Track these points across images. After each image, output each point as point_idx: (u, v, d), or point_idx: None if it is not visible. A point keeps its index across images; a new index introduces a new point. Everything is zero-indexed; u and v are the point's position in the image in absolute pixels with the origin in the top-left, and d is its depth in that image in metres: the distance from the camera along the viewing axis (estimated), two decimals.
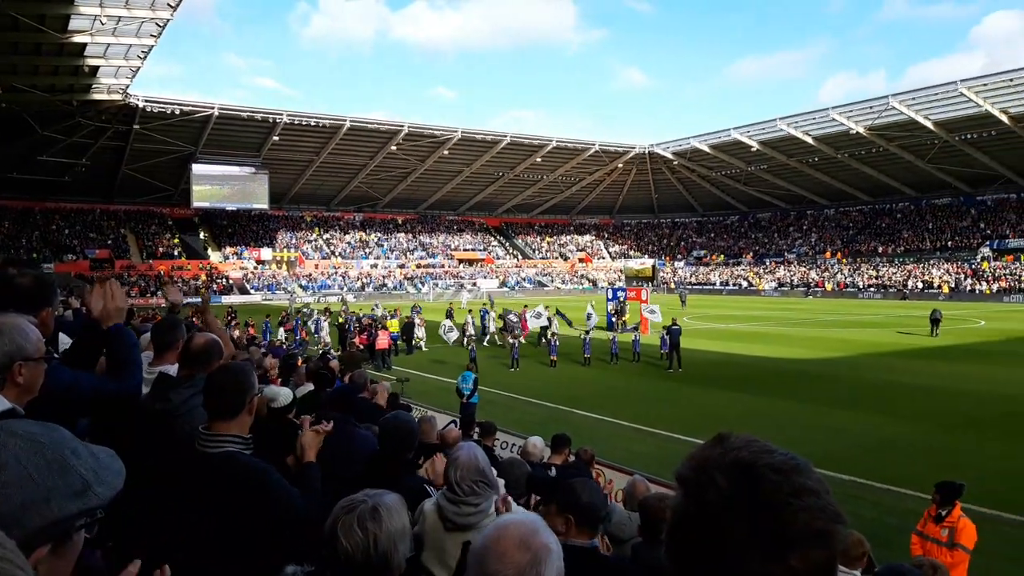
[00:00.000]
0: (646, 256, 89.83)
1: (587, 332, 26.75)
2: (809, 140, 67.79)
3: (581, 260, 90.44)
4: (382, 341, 25.47)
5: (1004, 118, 56.30)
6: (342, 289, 69.19)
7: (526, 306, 32.20)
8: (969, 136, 60.90)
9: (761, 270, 78.42)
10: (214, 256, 72.80)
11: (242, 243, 75.21)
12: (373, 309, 34.65)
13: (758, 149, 71.92)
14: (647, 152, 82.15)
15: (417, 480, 4.05)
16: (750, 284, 75.23)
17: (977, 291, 58.63)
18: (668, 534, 0.99)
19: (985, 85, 54.75)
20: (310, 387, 7.67)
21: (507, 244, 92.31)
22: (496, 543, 1.45)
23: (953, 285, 60.81)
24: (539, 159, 78.82)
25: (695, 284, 79.55)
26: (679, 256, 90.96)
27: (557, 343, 25.49)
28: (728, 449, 0.98)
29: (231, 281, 68.04)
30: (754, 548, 0.90)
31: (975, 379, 20.01)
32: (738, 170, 79.73)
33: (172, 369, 3.67)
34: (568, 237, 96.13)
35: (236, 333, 22.98)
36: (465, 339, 29.45)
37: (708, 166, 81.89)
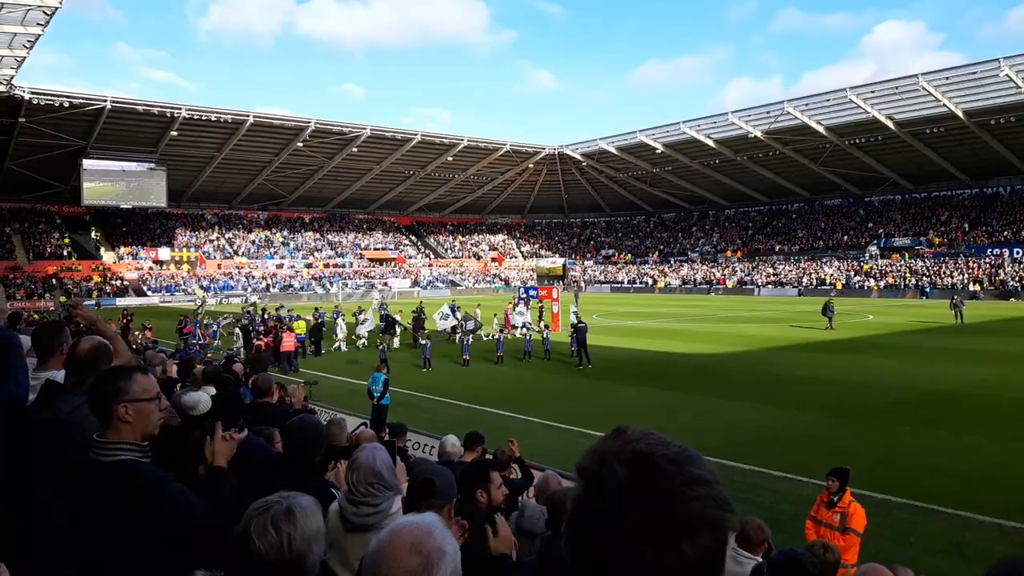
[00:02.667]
0: (556, 255, 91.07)
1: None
2: (710, 143, 70.35)
3: (493, 259, 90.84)
4: (288, 343, 24.79)
5: (890, 124, 60.02)
6: (246, 290, 67.09)
7: (510, 304, 33.63)
8: (858, 140, 64.64)
9: (666, 268, 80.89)
10: (107, 256, 69.20)
11: (138, 243, 71.80)
12: (335, 310, 33.88)
13: (663, 151, 74.10)
14: (557, 153, 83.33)
15: (323, 484, 3.99)
16: (655, 282, 77.45)
17: (866, 287, 62.35)
18: (568, 525, 1.02)
19: (872, 92, 58.24)
20: (211, 391, 7.38)
21: (419, 243, 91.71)
22: (388, 547, 1.44)
23: (844, 282, 64.46)
24: (451, 158, 78.66)
25: (604, 282, 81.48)
26: (588, 255, 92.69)
27: (469, 342, 25.50)
28: (626, 441, 1.01)
29: (126, 282, 64.85)
30: (649, 535, 0.93)
31: (864, 370, 21.23)
32: (644, 171, 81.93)
33: (59, 375, 3.46)
34: (480, 236, 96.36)
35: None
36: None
37: (615, 167, 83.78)
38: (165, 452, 2.95)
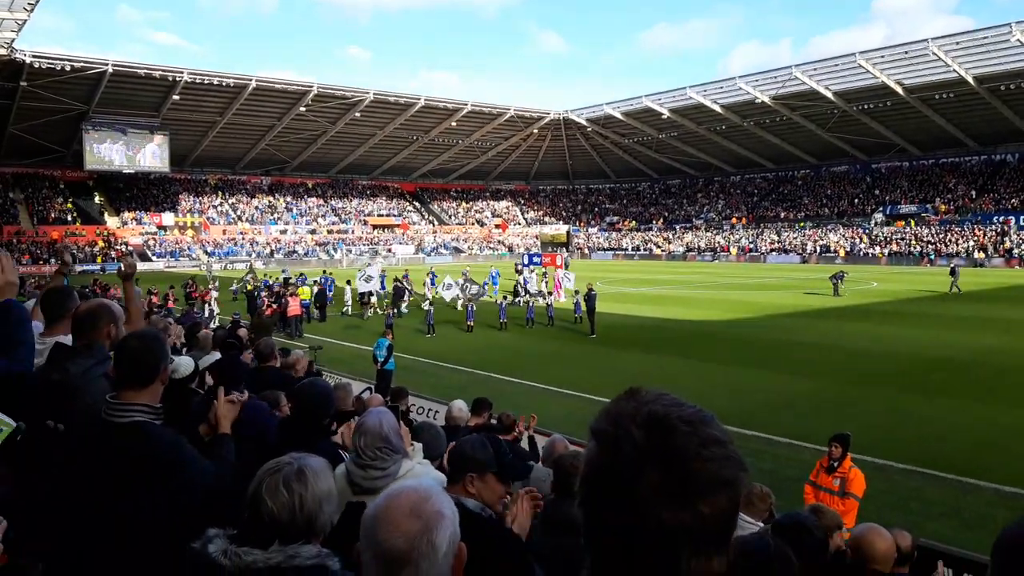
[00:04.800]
0: (561, 222, 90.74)
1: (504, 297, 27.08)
2: (717, 108, 69.61)
3: (497, 226, 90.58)
4: (293, 308, 24.87)
5: (899, 89, 59.27)
6: (250, 256, 67.11)
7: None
8: (866, 106, 63.92)
9: (671, 235, 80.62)
10: (111, 221, 69.14)
11: (141, 208, 71.69)
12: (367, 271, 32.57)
13: (669, 117, 73.38)
14: (562, 118, 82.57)
15: (331, 445, 4.03)
16: (660, 248, 77.27)
17: (870, 255, 62.09)
18: (582, 485, 1.02)
19: (882, 57, 57.42)
20: (216, 356, 7.44)
21: (423, 210, 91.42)
22: (386, 511, 1.44)
23: (848, 249, 64.19)
24: (454, 123, 78.03)
25: (609, 249, 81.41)
26: (593, 222, 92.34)
27: (474, 308, 25.55)
28: (641, 403, 1.01)
29: (131, 247, 64.85)
30: (665, 496, 0.94)
31: (869, 337, 21.25)
32: (650, 137, 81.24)
33: (67, 339, 3.48)
34: (484, 203, 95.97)
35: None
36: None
37: (621, 133, 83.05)
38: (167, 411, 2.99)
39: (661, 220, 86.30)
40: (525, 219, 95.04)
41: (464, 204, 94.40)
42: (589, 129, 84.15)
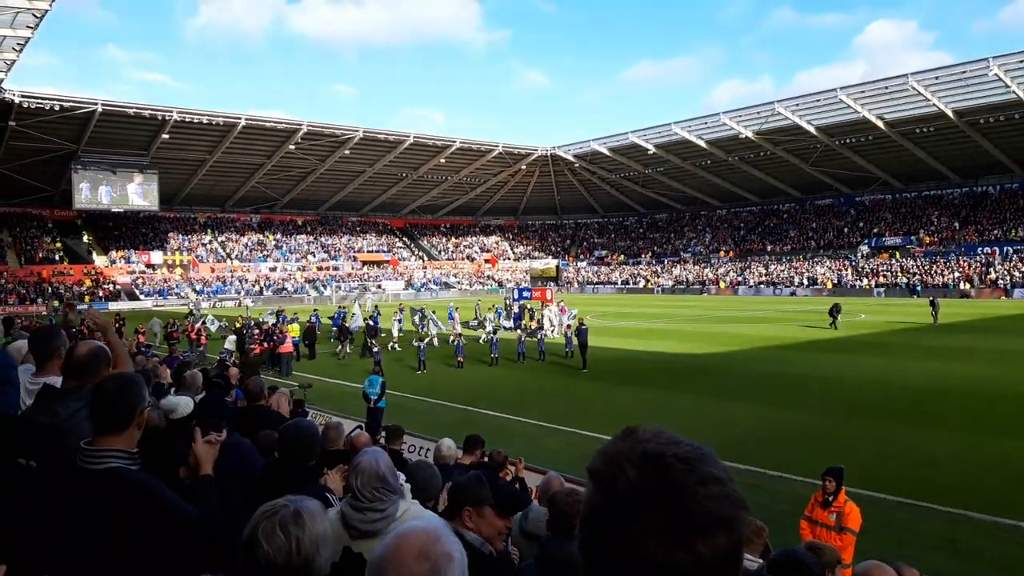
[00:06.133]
0: (550, 257, 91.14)
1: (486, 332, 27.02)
2: (702, 144, 70.49)
3: (487, 261, 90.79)
4: (286, 345, 24.75)
5: (880, 124, 60.27)
6: (239, 293, 66.90)
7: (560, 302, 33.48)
8: (848, 140, 64.88)
9: (659, 269, 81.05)
10: (99, 260, 68.81)
11: (130, 246, 71.46)
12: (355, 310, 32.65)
13: (654, 152, 74.21)
14: (549, 154, 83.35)
15: (318, 488, 3.98)
16: (649, 282, 77.60)
17: (857, 286, 62.55)
18: (581, 527, 1.01)
19: (863, 92, 58.45)
20: (203, 396, 7.39)
21: (412, 245, 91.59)
22: (395, 553, 1.42)
23: (835, 281, 64.69)
24: (443, 160, 78.60)
25: (598, 283, 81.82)
26: (581, 256, 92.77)
27: (463, 343, 25.48)
28: (637, 441, 1.00)
29: (119, 286, 64.55)
30: (663, 536, 0.92)
31: (858, 369, 21.31)
32: (636, 172, 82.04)
33: (56, 380, 3.45)
34: (474, 238, 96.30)
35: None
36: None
37: (608, 168, 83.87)
38: (149, 454, 2.94)
39: (649, 254, 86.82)
40: (514, 254, 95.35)
41: (453, 239, 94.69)
42: (576, 165, 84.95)
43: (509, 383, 21.41)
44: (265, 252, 79.14)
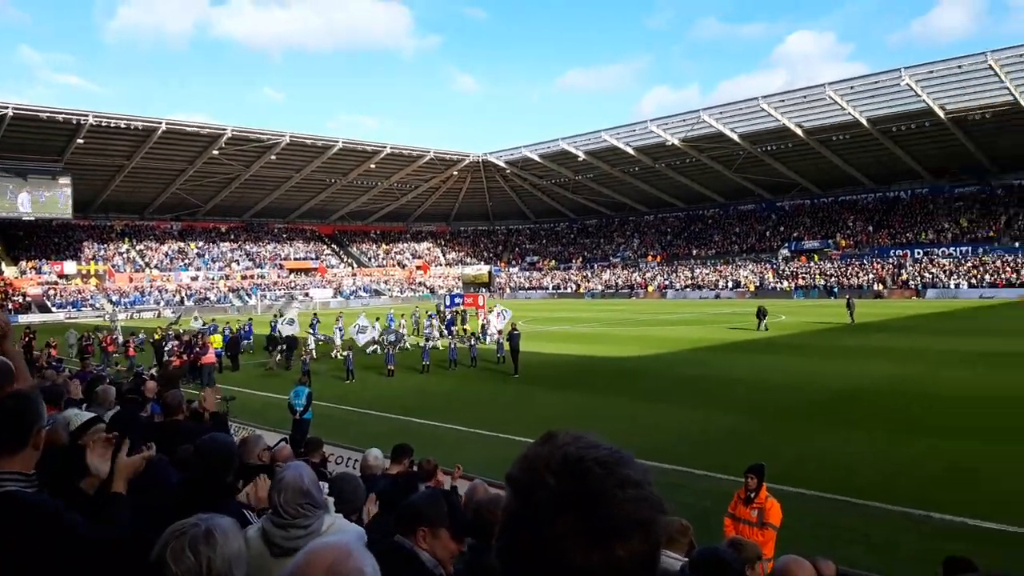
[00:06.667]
0: (482, 263, 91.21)
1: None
2: (630, 151, 71.85)
3: (419, 268, 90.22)
4: (209, 356, 23.95)
5: (799, 131, 62.63)
6: (158, 304, 64.61)
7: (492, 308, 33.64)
8: (769, 148, 67.20)
9: (589, 274, 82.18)
10: (8, 271, 65.32)
11: (42, 256, 68.11)
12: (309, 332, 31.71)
13: (584, 159, 75.25)
14: (481, 160, 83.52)
15: (235, 505, 3.84)
16: (580, 287, 78.57)
17: (778, 288, 64.78)
18: (498, 534, 1.01)
19: (783, 101, 60.63)
20: (116, 410, 7.06)
21: (341, 252, 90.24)
22: (305, 569, 1.37)
23: (758, 283, 66.85)
24: (373, 165, 77.78)
25: (530, 288, 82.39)
26: (513, 262, 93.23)
27: (393, 352, 25.20)
28: (556, 446, 1.00)
29: (29, 298, 61.39)
30: (579, 539, 0.92)
31: (780, 370, 22.01)
32: (567, 179, 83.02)
33: None
34: (405, 245, 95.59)
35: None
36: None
37: (539, 175, 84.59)
38: (48, 471, 2.76)
39: (580, 259, 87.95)
40: (446, 260, 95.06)
41: (384, 246, 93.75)
42: (508, 171, 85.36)
43: (440, 390, 21.27)
44: (186, 261, 76.65)
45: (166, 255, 76.37)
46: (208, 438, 4.43)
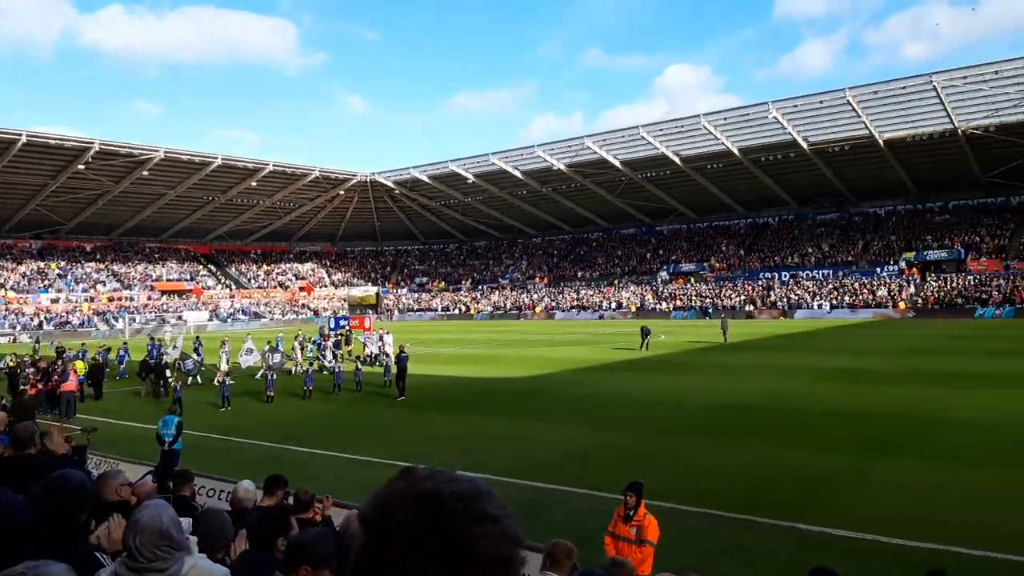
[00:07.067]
0: (370, 284, 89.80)
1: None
2: (518, 174, 72.94)
3: (302, 289, 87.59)
4: (70, 384, 22.14)
5: (676, 159, 65.56)
6: (14, 328, 59.60)
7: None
8: (649, 174, 69.99)
9: (479, 295, 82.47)
10: None
11: None
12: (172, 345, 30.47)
13: (474, 181, 75.76)
14: (369, 180, 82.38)
15: (87, 547, 3.55)
16: (469, 308, 78.65)
17: (657, 309, 67.24)
18: (351, 574, 0.98)
19: (661, 130, 63.36)
20: None
21: (219, 273, 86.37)
22: None
23: (639, 304, 69.18)
24: (255, 183, 75.13)
25: (419, 310, 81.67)
26: (402, 283, 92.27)
27: (273, 377, 24.25)
28: (412, 482, 0.98)
29: None
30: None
31: (660, 388, 22.79)
32: (456, 200, 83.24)
33: None
34: (288, 265, 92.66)
35: None
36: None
37: (428, 196, 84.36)
38: None
39: (469, 280, 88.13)
40: (332, 281, 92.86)
41: (265, 267, 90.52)
42: (397, 192, 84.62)
43: (320, 416, 20.60)
44: (46, 282, 71.20)
45: (24, 276, 70.70)
46: (59, 475, 4.08)
